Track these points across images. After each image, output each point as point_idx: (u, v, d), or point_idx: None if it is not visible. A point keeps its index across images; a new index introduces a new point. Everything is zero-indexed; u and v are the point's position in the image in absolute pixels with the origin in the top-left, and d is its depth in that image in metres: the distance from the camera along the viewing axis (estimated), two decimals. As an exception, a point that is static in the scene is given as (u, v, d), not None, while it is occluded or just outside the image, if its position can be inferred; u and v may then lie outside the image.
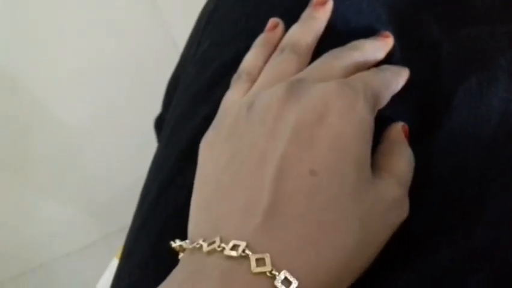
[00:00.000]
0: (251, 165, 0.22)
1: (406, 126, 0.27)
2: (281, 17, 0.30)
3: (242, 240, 0.20)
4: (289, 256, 0.20)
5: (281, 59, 0.27)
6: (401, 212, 0.24)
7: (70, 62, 1.00)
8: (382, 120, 0.27)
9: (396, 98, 0.28)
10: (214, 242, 0.20)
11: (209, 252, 0.20)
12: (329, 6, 0.29)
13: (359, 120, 0.23)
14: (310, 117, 0.22)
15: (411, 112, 0.28)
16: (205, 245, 0.20)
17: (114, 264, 0.56)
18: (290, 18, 0.30)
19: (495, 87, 0.27)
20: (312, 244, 0.20)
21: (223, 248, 0.20)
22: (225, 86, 0.29)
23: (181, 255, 0.23)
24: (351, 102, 0.23)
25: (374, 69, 0.27)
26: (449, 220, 0.24)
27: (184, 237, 0.24)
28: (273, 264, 0.19)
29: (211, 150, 0.25)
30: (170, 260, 0.25)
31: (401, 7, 0.32)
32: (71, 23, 1.01)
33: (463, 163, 0.26)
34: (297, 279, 0.19)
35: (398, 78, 0.27)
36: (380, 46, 0.28)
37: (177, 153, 0.29)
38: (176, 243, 0.23)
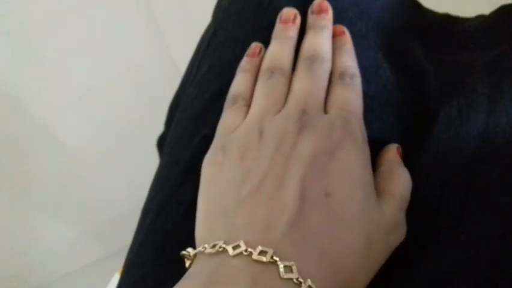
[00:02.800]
0: (271, 184, 0.25)
1: (400, 148, 0.29)
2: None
3: (268, 247, 0.22)
4: (311, 266, 0.22)
5: (274, 83, 0.30)
6: (400, 234, 0.26)
7: (72, 84, 1.02)
8: (374, 143, 0.29)
9: (385, 120, 0.30)
10: (239, 246, 0.22)
11: (235, 256, 0.22)
12: (298, 21, 0.32)
13: (360, 149, 0.27)
14: (323, 151, 0.26)
15: (398, 134, 0.30)
16: (229, 248, 0.22)
17: (116, 279, 0.57)
18: None
19: (474, 111, 0.28)
20: (328, 258, 0.23)
21: (251, 253, 0.21)
22: (223, 106, 0.30)
23: (187, 263, 0.25)
24: (352, 136, 0.27)
25: (347, 86, 0.30)
26: (429, 237, 0.26)
27: (184, 249, 0.26)
28: (298, 272, 0.21)
29: (221, 168, 0.27)
30: (171, 272, 0.26)
31: (391, 34, 0.34)
32: (75, 45, 1.03)
33: (445, 183, 0.27)
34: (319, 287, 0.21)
35: (358, 75, 0.30)
36: (327, 35, 0.31)
37: (177, 172, 0.30)
38: (188, 251, 0.24)
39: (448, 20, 0.37)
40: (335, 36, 0.32)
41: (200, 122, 0.31)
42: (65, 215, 1.01)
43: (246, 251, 0.22)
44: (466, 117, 0.28)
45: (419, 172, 0.28)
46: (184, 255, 0.25)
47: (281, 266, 0.21)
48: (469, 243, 0.25)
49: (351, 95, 0.29)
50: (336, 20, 0.32)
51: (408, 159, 0.29)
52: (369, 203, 0.25)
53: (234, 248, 0.22)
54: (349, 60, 0.30)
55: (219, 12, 0.36)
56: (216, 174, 0.27)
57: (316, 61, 0.30)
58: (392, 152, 0.29)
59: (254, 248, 0.22)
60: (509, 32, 0.32)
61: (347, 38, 0.31)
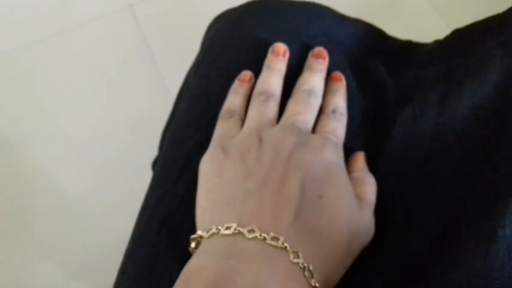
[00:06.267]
0: (274, 180, 0.28)
1: (365, 155, 0.34)
2: (249, 66, 0.37)
3: (278, 234, 0.25)
4: (310, 255, 0.26)
5: (268, 105, 0.34)
6: (370, 236, 0.30)
7: (71, 129, 1.04)
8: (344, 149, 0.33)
9: (353, 127, 0.34)
10: (253, 231, 0.26)
11: (251, 239, 0.25)
12: (287, 56, 0.36)
13: (340, 165, 0.31)
14: (316, 162, 0.30)
15: (362, 137, 0.35)
16: (245, 231, 0.26)
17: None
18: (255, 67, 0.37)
19: (426, 114, 0.33)
20: (322, 250, 0.26)
21: (265, 238, 0.25)
22: (210, 117, 0.35)
23: (192, 245, 0.28)
24: (336, 155, 0.31)
25: (337, 120, 0.34)
26: (386, 227, 0.31)
27: (178, 232, 0.30)
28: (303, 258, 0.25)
29: (222, 165, 0.31)
30: (168, 253, 0.30)
31: (357, 56, 0.39)
32: (74, 90, 1.06)
33: (402, 177, 0.32)
34: (317, 274, 0.25)
35: (346, 114, 0.35)
36: (322, 77, 0.36)
37: (173, 172, 0.34)
38: (201, 234, 0.28)
39: (409, 45, 0.43)
40: (332, 80, 0.36)
41: (192, 129, 0.36)
42: (61, 262, 1.02)
43: (260, 235, 0.25)
44: (419, 119, 0.33)
45: (380, 170, 0.33)
46: (193, 238, 0.28)
47: (290, 251, 0.25)
48: (420, 230, 0.29)
49: (339, 127, 0.34)
50: (307, 45, 0.37)
51: (371, 159, 0.33)
52: (353, 207, 0.29)
53: (249, 231, 0.25)
54: (341, 102, 0.35)
55: (205, 41, 0.41)
56: (217, 169, 0.31)
57: (312, 95, 0.34)
58: (361, 160, 0.33)
59: (267, 233, 0.25)
60: (459, 50, 0.37)
61: (343, 83, 0.36)
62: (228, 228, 0.26)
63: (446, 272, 0.26)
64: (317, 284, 0.25)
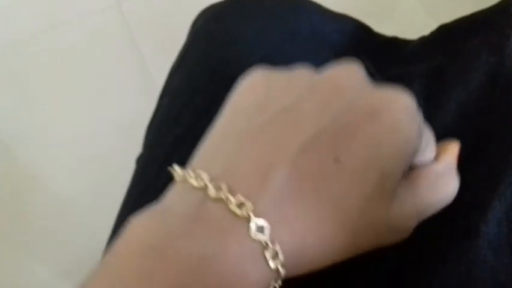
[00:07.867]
0: (285, 120, 0.22)
1: (459, 148, 0.27)
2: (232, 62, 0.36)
3: (249, 199, 0.20)
4: (284, 231, 0.20)
5: None
6: (399, 237, 0.24)
7: (63, 131, 1.04)
8: None
9: None
10: (220, 189, 0.20)
11: (214, 199, 0.20)
12: None
13: (405, 140, 0.22)
14: (367, 110, 0.22)
15: None
16: (212, 189, 0.20)
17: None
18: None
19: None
20: (308, 228, 0.21)
21: (230, 202, 0.20)
22: (193, 111, 0.34)
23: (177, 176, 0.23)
24: (411, 118, 0.23)
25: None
26: None
27: None
28: (270, 235, 0.20)
29: (266, 82, 0.24)
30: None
31: (343, 53, 0.39)
32: (67, 92, 1.06)
33: None
34: (283, 255, 0.20)
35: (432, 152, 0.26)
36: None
37: (153, 167, 0.34)
38: (177, 171, 0.22)
39: (395, 41, 0.43)
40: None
41: (173, 124, 0.35)
42: (51, 257, 1.01)
43: (226, 198, 0.20)
44: None
45: None
46: (171, 171, 0.23)
47: (253, 225, 0.19)
48: None
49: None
50: (292, 40, 0.37)
51: None
52: (376, 194, 0.22)
53: (216, 189, 0.20)
54: None
55: (190, 35, 0.41)
56: (255, 88, 0.24)
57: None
58: (452, 153, 0.26)
59: (234, 196, 0.20)
60: (445, 47, 0.37)
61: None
62: (197, 178, 0.21)
63: (431, 268, 0.26)
64: (279, 267, 0.20)
